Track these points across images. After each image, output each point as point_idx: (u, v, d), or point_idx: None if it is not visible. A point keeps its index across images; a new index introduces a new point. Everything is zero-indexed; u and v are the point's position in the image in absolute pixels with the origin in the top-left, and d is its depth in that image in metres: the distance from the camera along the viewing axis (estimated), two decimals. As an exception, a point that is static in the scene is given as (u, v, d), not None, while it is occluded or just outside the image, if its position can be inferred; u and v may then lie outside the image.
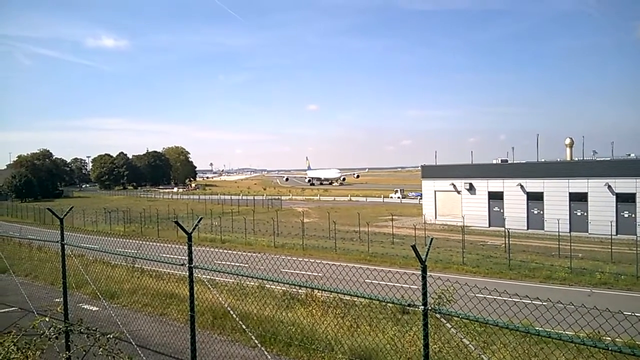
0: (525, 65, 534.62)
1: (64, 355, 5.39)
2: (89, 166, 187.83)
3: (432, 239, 5.49)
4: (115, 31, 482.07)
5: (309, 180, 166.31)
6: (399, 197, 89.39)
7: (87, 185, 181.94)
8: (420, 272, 4.63)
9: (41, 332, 5.12)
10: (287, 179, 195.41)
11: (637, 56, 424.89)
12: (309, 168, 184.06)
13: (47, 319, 5.42)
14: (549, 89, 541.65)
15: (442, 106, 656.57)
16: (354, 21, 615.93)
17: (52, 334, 5.00)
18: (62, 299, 9.28)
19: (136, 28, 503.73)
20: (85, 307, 12.50)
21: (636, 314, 5.84)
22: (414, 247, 4.58)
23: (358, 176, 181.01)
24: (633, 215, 41.62)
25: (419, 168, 63.98)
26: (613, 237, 34.78)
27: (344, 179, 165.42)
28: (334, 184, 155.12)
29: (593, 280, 25.90)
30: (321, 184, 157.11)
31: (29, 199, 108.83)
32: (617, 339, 5.73)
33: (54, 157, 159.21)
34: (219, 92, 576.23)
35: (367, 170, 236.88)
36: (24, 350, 4.82)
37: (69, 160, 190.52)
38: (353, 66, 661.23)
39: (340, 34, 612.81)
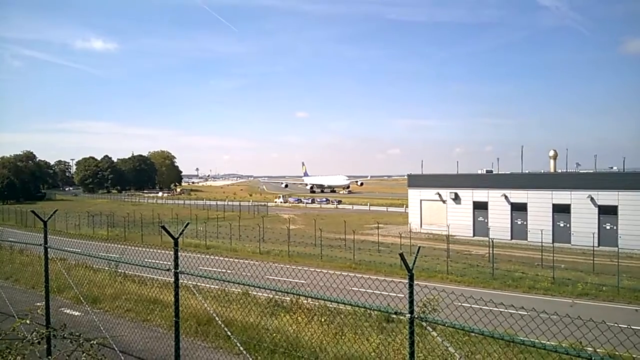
0: (514, 78, 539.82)
1: (46, 360, 5.30)
2: (73, 169, 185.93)
3: (419, 247, 5.52)
4: (105, 34, 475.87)
5: (311, 187, 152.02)
6: (282, 202, 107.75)
7: (71, 189, 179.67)
8: (406, 280, 4.64)
9: (22, 336, 5.03)
10: (286, 186, 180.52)
11: (620, 72, 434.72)
12: (305, 174, 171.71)
13: (28, 323, 5.33)
14: (536, 101, 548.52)
15: (430, 115, 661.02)
16: (346, 31, 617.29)
17: (35, 338, 4.91)
18: (43, 303, 9.14)
19: (126, 32, 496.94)
20: (67, 311, 12.32)
21: (619, 325, 5.92)
22: (401, 255, 4.59)
23: (362, 184, 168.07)
24: (615, 228, 42.22)
25: (406, 177, 64.33)
26: (595, 248, 35.18)
27: (348, 187, 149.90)
28: (340, 192, 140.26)
29: (575, 291, 26.20)
30: (322, 191, 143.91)
31: (11, 201, 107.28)
32: (599, 349, 5.79)
33: (37, 159, 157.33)
34: (208, 98, 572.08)
35: (369, 177, 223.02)
36: (4, 355, 4.73)
37: (52, 163, 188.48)
38: (343, 75, 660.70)
39: (332, 42, 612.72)
